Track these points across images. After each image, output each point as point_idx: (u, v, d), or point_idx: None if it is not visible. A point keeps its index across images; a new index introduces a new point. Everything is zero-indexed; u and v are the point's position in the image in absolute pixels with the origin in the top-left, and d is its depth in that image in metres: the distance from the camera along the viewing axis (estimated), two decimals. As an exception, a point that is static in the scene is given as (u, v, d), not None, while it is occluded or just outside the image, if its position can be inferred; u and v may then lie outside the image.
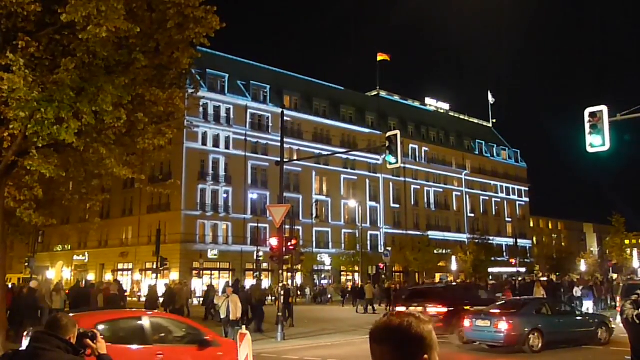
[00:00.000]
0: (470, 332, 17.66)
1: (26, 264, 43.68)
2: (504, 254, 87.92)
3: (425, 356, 2.08)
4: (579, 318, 19.36)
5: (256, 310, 24.32)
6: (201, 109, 55.72)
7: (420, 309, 19.84)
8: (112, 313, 12.45)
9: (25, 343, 13.33)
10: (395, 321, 2.11)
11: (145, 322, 10.60)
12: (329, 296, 53.27)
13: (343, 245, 68.62)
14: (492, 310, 18.15)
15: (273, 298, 43.93)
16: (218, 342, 10.96)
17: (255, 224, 58.13)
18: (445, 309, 20.10)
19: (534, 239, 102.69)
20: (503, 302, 21.20)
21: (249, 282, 52.25)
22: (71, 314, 9.60)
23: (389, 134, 20.47)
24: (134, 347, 9.83)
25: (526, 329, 16.73)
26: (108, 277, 63.55)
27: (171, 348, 10.31)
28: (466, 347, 17.81)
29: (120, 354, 9.15)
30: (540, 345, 16.72)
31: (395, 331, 2.09)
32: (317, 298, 52.11)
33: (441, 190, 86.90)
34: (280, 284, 21.82)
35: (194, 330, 10.94)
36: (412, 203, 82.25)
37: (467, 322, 17.70)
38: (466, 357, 16.93)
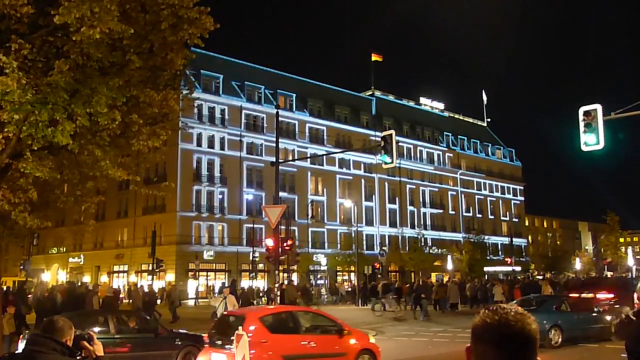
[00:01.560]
0: None
1: (21, 267, 43.60)
2: (500, 252, 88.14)
3: (538, 358, 1.93)
4: (596, 315, 19.57)
5: None
6: (196, 110, 55.63)
7: (590, 295, 25.15)
8: (272, 309, 15.89)
9: (21, 346, 13.31)
10: (512, 321, 1.90)
11: (297, 315, 13.23)
12: (340, 295, 52.45)
13: (339, 245, 68.61)
14: None
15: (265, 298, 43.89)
16: (351, 332, 13.28)
17: (251, 225, 58.08)
18: (612, 295, 24.97)
19: (529, 237, 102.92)
20: (522, 299, 22.83)
21: (245, 282, 52.26)
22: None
23: (384, 133, 20.53)
24: (290, 335, 12.23)
25: (546, 325, 17.20)
26: (104, 279, 63.47)
27: (318, 337, 12.74)
28: None
29: (280, 342, 11.93)
30: (559, 340, 17.23)
31: (516, 333, 1.89)
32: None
33: (436, 189, 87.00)
34: (277, 285, 21.80)
35: (334, 322, 13.41)
36: (408, 202, 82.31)
37: None
38: None
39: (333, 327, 13.09)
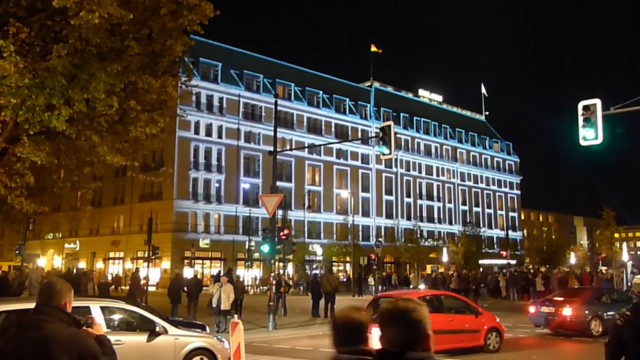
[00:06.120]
0: (535, 318, 19.74)
1: (17, 252, 43.51)
2: (495, 245, 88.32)
3: (429, 332, 2.61)
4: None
5: (330, 296, 25.50)
6: (194, 97, 55.42)
7: None
8: (421, 292, 20.27)
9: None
10: (402, 305, 2.62)
11: (441, 298, 16.17)
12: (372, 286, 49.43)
13: (335, 235, 68.63)
14: (555, 298, 19.81)
15: (263, 288, 43.82)
16: (482, 313, 15.98)
17: (247, 214, 58.10)
18: None
19: (525, 231, 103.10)
20: (563, 290, 24.64)
21: (240, 271, 52.28)
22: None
23: (382, 124, 20.44)
24: (437, 314, 14.36)
25: (588, 316, 18.16)
26: (99, 265, 63.48)
27: (457, 316, 15.45)
28: (530, 332, 19.52)
29: (430, 319, 13.72)
30: (600, 330, 17.96)
31: (404, 314, 2.59)
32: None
33: (433, 181, 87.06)
34: (273, 274, 21.80)
35: (470, 305, 16.66)
36: (404, 194, 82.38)
37: (532, 309, 19.91)
38: (531, 340, 18.35)
39: (468, 309, 15.96)
